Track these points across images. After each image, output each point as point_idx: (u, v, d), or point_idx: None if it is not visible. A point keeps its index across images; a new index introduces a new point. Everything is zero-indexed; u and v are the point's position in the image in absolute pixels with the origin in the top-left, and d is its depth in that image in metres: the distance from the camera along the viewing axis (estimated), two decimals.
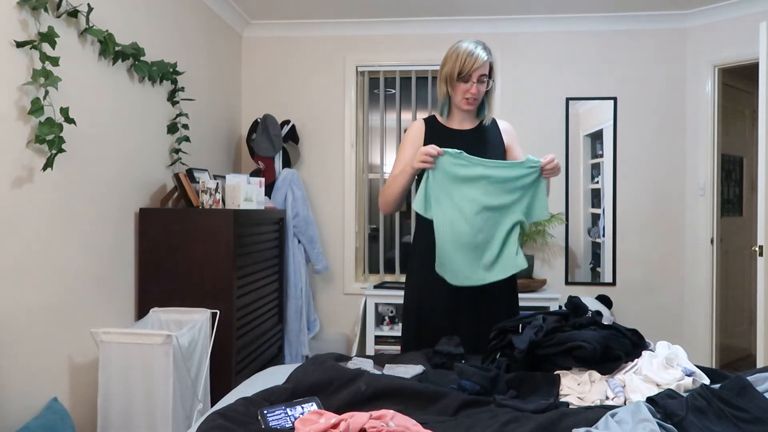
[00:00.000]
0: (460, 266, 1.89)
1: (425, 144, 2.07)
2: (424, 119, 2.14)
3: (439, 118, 2.12)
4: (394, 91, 4.24)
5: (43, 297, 2.14)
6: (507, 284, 2.06)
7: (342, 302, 4.20)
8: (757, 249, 2.98)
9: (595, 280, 4.08)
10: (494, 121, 2.15)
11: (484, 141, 2.07)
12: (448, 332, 1.92)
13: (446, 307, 2.01)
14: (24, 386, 2.05)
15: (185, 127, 3.18)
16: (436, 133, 2.08)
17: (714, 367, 3.80)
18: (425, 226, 2.09)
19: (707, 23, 3.89)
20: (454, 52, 2.00)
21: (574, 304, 1.69)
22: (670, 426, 1.13)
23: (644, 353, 1.53)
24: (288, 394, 1.41)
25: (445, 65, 2.03)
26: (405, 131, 2.19)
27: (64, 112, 2.12)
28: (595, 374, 1.49)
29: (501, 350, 1.67)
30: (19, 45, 1.97)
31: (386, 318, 3.97)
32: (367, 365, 1.67)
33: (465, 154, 1.89)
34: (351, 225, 4.19)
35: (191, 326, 2.38)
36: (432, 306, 2.03)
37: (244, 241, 2.87)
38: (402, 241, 4.21)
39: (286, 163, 4.03)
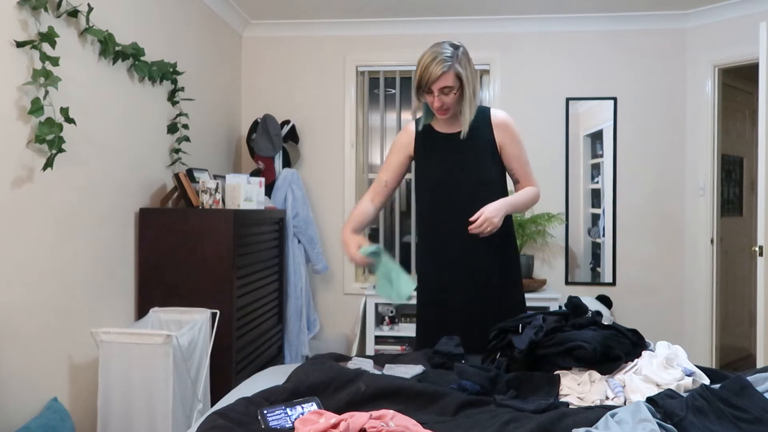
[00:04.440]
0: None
1: (416, 150, 2.08)
2: (416, 121, 2.10)
3: (433, 121, 2.06)
4: (394, 91, 4.24)
5: (43, 297, 2.14)
6: (513, 287, 2.06)
7: (342, 302, 4.20)
8: (757, 249, 2.98)
9: (595, 280, 4.08)
10: (488, 117, 2.02)
11: (470, 145, 2.00)
12: (461, 331, 1.93)
13: (463, 307, 2.01)
14: (24, 386, 2.05)
15: (185, 127, 3.18)
16: (426, 138, 2.06)
17: (714, 367, 3.80)
18: (426, 227, 2.08)
19: (707, 23, 3.89)
20: (418, 61, 1.92)
21: (574, 304, 1.69)
22: (670, 426, 1.13)
23: (644, 353, 1.53)
24: (288, 394, 1.41)
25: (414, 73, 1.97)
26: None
27: (64, 112, 2.12)
28: (595, 374, 1.49)
29: (501, 350, 1.67)
30: (19, 45, 1.97)
31: (386, 318, 3.97)
32: (367, 365, 1.67)
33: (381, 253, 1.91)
34: None
35: (191, 326, 2.38)
36: (449, 305, 2.03)
37: (244, 241, 2.87)
38: (402, 241, 4.21)
39: (286, 163, 4.03)
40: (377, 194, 2.11)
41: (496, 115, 2.03)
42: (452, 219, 1.99)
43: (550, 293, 3.78)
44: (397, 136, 2.12)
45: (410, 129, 2.10)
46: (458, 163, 2.00)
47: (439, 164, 2.03)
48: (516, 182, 2.10)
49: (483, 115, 2.02)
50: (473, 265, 2.00)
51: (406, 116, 4.27)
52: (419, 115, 2.10)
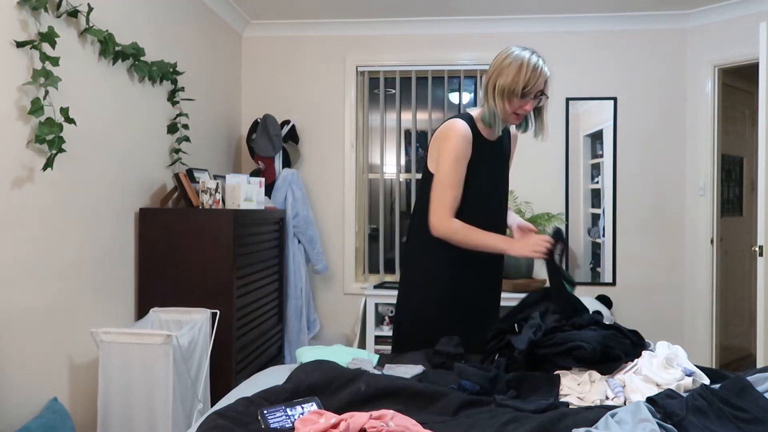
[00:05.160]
0: None
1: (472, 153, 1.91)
2: (466, 122, 1.90)
3: (478, 125, 1.92)
4: (394, 91, 4.24)
5: (43, 297, 2.14)
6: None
7: (342, 302, 4.20)
8: (757, 249, 2.98)
9: (595, 280, 4.08)
10: (507, 126, 2.02)
11: (502, 151, 2.01)
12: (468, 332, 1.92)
13: (483, 312, 2.01)
14: (24, 386, 2.05)
15: (185, 127, 3.18)
16: (476, 143, 1.91)
17: (714, 367, 3.80)
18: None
19: (707, 23, 3.89)
20: (516, 63, 1.78)
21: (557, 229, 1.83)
22: (670, 426, 1.13)
23: (644, 353, 1.53)
24: (288, 394, 1.41)
25: (501, 76, 1.80)
26: (452, 134, 1.86)
27: (64, 112, 2.12)
28: (595, 374, 1.49)
29: (500, 350, 1.67)
30: (19, 45, 1.97)
31: (386, 318, 3.97)
32: (367, 365, 1.67)
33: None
34: (351, 225, 4.18)
35: (191, 326, 2.37)
36: (470, 310, 1.98)
37: (244, 241, 2.87)
38: (402, 241, 4.21)
39: (286, 163, 4.03)
40: (454, 212, 1.87)
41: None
42: (490, 227, 1.91)
43: None
44: (459, 141, 1.84)
45: (468, 133, 1.86)
46: (497, 171, 1.99)
47: (486, 172, 1.93)
48: None
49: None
50: (497, 273, 2.05)
51: (406, 116, 4.27)
52: (470, 113, 1.93)
